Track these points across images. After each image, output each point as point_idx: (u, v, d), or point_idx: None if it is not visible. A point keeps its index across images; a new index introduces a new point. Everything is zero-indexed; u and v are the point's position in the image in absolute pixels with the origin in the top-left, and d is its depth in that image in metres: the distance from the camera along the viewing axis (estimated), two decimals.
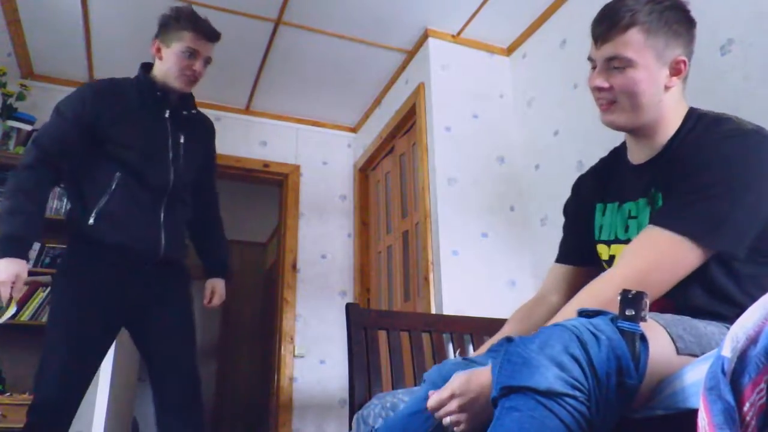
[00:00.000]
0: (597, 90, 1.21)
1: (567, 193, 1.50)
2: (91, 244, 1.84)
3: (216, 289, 2.20)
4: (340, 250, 4.25)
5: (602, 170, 1.40)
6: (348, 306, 2.14)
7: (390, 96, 3.93)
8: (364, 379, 2.04)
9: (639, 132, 1.23)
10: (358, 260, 4.18)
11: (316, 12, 3.22)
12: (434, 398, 1.08)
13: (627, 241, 1.22)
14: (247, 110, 4.26)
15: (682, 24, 1.17)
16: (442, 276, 2.93)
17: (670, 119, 1.19)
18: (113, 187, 1.86)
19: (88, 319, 1.81)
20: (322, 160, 4.41)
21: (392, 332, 2.15)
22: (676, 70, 1.18)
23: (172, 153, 1.99)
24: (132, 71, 2.06)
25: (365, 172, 4.35)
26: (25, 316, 3.09)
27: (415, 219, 3.43)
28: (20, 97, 3.45)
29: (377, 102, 4.13)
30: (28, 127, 3.44)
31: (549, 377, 0.81)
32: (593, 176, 1.42)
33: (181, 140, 2.03)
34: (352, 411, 1.99)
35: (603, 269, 1.30)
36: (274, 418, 3.84)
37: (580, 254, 1.41)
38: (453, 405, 1.04)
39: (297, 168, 4.31)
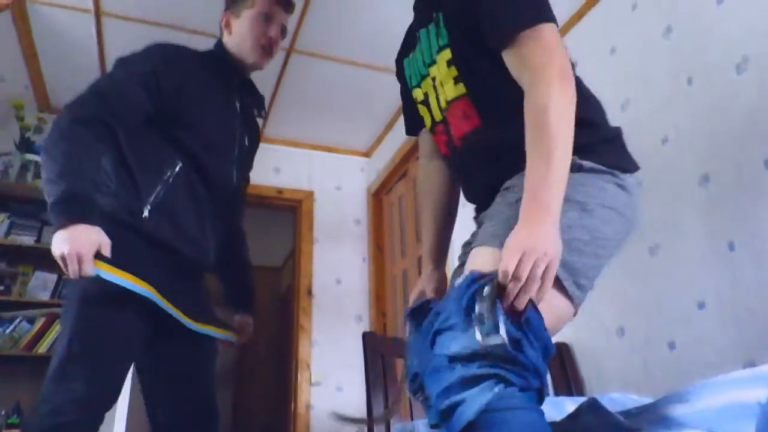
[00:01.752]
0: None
1: None
2: (143, 239, 1.47)
3: (246, 328, 1.81)
4: (355, 274, 4.24)
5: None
6: (365, 335, 2.13)
7: (402, 120, 3.93)
8: (381, 407, 2.01)
9: None
10: (373, 285, 4.16)
11: (326, 39, 3.25)
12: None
13: (432, 64, 1.25)
14: (261, 137, 4.28)
15: None
16: None
17: None
18: (171, 175, 1.53)
19: (134, 340, 1.47)
20: (335, 185, 4.42)
21: None
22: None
23: (237, 148, 1.70)
24: None
25: (379, 196, 4.35)
26: (43, 347, 3.10)
27: None
28: (38, 130, 3.51)
29: (389, 126, 4.15)
30: None
31: (453, 378, 0.85)
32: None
33: (246, 141, 1.77)
34: None
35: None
36: None
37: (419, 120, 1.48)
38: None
39: (311, 193, 4.32)
